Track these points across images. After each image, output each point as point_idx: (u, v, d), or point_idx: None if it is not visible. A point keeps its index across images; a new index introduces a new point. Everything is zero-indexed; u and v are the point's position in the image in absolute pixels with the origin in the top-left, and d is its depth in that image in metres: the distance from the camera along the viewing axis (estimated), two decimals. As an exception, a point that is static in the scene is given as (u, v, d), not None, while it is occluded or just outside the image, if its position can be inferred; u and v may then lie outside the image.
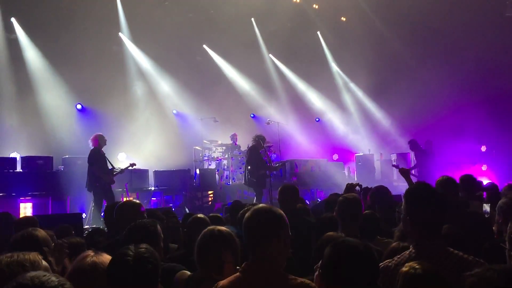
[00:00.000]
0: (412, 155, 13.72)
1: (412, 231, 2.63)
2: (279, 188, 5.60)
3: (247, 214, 2.54)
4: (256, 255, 2.47)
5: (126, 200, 4.43)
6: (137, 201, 4.41)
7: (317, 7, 15.98)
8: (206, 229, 3.13)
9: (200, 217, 4.22)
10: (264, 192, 12.68)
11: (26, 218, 5.00)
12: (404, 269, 2.26)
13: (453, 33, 14.57)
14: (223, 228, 3.16)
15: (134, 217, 4.18)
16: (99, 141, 9.49)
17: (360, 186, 6.08)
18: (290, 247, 2.55)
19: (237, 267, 2.60)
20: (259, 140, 10.77)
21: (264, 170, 10.68)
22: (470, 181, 5.63)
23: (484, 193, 6.58)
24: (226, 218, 5.54)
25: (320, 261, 2.32)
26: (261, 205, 2.66)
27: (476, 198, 5.76)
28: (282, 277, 2.43)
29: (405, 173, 5.85)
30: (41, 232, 3.31)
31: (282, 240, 2.48)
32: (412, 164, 12.24)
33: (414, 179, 11.58)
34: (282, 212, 2.55)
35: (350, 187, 5.82)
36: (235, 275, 2.51)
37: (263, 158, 11.31)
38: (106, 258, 2.60)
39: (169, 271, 3.28)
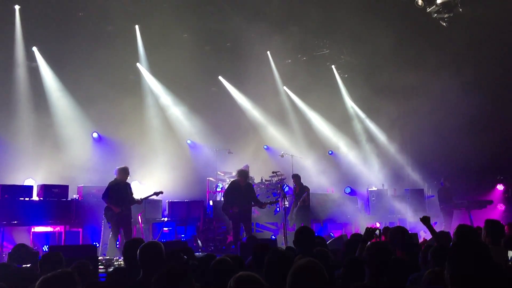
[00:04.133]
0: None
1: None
2: (296, 230, 5.61)
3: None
4: None
5: (150, 242, 4.40)
6: (159, 243, 4.38)
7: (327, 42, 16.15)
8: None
9: (225, 260, 4.16)
10: (277, 225, 12.64)
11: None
12: None
13: (468, 68, 14.52)
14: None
15: (156, 259, 4.16)
16: (119, 173, 9.61)
17: (380, 230, 6.00)
18: None
19: None
20: (239, 176, 10.66)
21: (235, 206, 10.30)
22: (497, 226, 5.46)
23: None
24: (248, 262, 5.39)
25: None
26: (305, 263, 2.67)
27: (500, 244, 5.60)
28: None
29: (426, 221, 5.78)
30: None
31: None
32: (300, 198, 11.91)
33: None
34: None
35: (370, 232, 5.74)
36: None
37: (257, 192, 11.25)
38: None
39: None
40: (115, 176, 9.66)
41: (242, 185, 10.48)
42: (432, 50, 14.70)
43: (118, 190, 9.47)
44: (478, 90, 14.35)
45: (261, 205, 10.73)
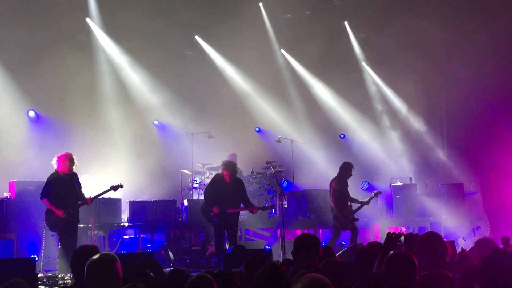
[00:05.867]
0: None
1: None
2: (295, 239, 5.61)
3: None
4: None
5: (101, 255, 4.39)
6: (113, 256, 4.38)
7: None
8: None
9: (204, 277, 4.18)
10: (272, 232, 12.71)
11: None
12: None
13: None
14: None
15: (109, 279, 4.17)
16: (60, 163, 9.42)
17: (405, 236, 6.04)
18: None
19: None
20: (225, 168, 10.38)
21: (217, 207, 10.17)
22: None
23: None
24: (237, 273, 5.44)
25: None
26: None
27: None
28: None
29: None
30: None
31: None
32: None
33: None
34: None
35: (392, 238, 5.78)
36: None
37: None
38: None
39: None
40: (55, 167, 9.50)
41: (228, 181, 10.41)
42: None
43: (61, 186, 9.34)
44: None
45: (253, 210, 10.64)
